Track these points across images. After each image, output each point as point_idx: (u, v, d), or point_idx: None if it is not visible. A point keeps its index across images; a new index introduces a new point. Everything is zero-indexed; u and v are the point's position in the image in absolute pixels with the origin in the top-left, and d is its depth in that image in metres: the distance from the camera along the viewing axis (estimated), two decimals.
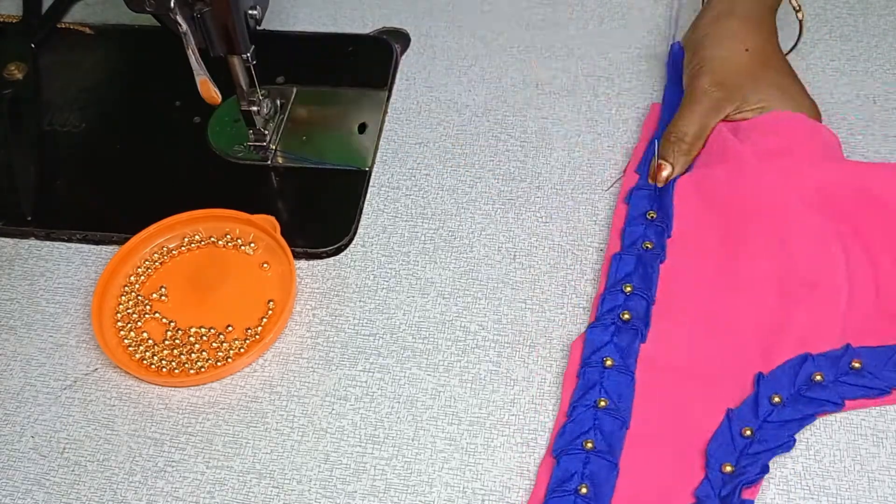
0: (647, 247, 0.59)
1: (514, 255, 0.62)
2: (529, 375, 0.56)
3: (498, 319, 0.59)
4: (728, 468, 0.50)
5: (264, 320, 0.60)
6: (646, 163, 0.63)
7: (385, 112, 0.70)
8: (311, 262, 0.63)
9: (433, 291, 0.61)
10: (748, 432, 0.51)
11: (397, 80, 0.73)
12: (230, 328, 0.60)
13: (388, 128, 0.70)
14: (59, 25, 0.78)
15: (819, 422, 0.53)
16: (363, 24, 0.77)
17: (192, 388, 0.58)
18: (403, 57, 0.74)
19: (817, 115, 0.63)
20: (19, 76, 0.74)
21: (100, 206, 0.67)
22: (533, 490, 0.52)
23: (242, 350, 0.58)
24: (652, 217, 0.60)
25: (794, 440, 0.51)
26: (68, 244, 0.65)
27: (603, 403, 0.53)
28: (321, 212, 0.65)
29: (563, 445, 0.52)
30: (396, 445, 0.54)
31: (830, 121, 0.64)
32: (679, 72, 0.66)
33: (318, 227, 0.64)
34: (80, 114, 0.73)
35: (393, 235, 0.64)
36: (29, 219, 0.66)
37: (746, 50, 0.63)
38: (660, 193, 0.61)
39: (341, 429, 0.55)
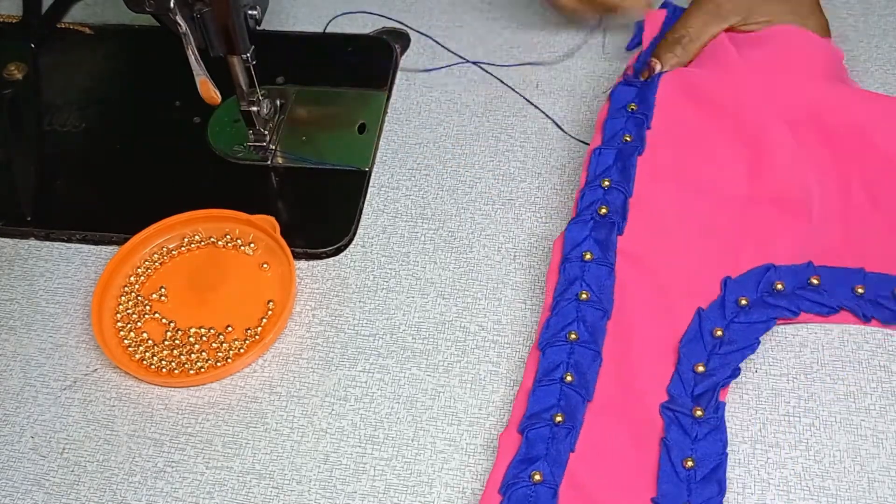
0: (627, 139, 0.59)
1: (514, 256, 0.62)
2: None
3: (498, 320, 0.59)
4: (700, 368, 0.52)
5: (264, 321, 0.60)
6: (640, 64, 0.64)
7: (385, 112, 0.70)
8: (311, 263, 0.63)
9: (433, 292, 0.61)
10: (719, 332, 0.53)
11: (397, 80, 0.73)
12: (230, 328, 0.60)
13: (388, 128, 0.70)
14: (59, 25, 0.78)
15: (819, 422, 0.53)
16: (363, 24, 0.77)
17: (191, 388, 0.58)
18: (403, 57, 0.74)
19: (826, 33, 0.63)
20: (19, 76, 0.74)
21: (100, 206, 0.67)
22: (521, 383, 0.53)
23: (242, 350, 0.58)
24: (632, 109, 0.60)
25: (759, 342, 0.53)
26: (68, 244, 0.65)
27: (584, 296, 0.54)
28: (321, 212, 0.65)
29: (549, 338, 0.53)
30: (396, 446, 0.54)
31: None
32: None
33: (318, 227, 0.64)
34: (80, 114, 0.73)
35: (393, 236, 0.64)
36: (29, 219, 0.66)
37: None
38: (643, 87, 0.62)
39: (341, 429, 0.55)
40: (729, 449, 0.52)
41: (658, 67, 0.63)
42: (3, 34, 0.78)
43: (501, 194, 0.65)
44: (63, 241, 0.65)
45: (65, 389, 0.58)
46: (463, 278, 0.61)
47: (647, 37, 0.66)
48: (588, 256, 0.56)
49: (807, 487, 0.51)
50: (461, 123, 0.69)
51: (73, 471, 0.55)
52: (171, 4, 0.56)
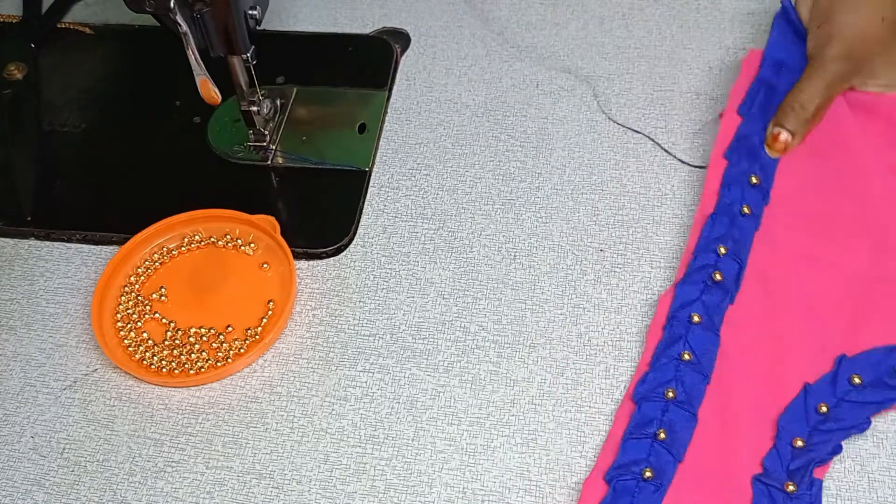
0: (745, 212, 0.58)
1: (514, 256, 0.62)
2: (529, 376, 0.56)
3: (498, 320, 0.59)
4: (799, 442, 0.50)
5: (264, 320, 0.60)
6: (748, 108, 0.62)
7: (385, 112, 0.70)
8: (311, 263, 0.63)
9: (433, 292, 0.61)
10: (824, 408, 0.51)
11: (397, 80, 0.73)
12: (230, 328, 0.60)
13: (388, 128, 0.70)
14: (59, 25, 0.78)
15: None
16: (363, 24, 0.77)
17: (191, 388, 0.58)
18: (403, 57, 0.74)
19: None
20: (19, 76, 0.74)
21: (100, 206, 0.67)
22: (610, 432, 0.52)
23: (242, 350, 0.58)
24: (754, 182, 0.59)
25: (870, 422, 0.50)
26: (68, 244, 0.65)
27: (687, 357, 0.53)
28: (321, 212, 0.65)
29: (644, 393, 0.52)
30: (396, 446, 0.54)
31: None
32: (790, 28, 0.64)
33: (318, 227, 0.64)
34: (80, 114, 0.73)
35: (393, 236, 0.64)
36: (29, 219, 0.66)
37: (882, 19, 0.59)
38: (764, 155, 0.60)
39: (341, 429, 0.55)
40: None
41: (785, 137, 0.60)
42: (3, 34, 0.78)
43: (501, 194, 0.65)
44: (63, 241, 0.65)
45: (65, 389, 0.58)
46: (463, 278, 0.61)
47: (744, 77, 0.64)
48: (696, 319, 0.54)
49: None
50: (461, 123, 0.69)
51: (73, 471, 0.55)
52: (172, 4, 0.56)
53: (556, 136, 0.68)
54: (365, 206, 0.65)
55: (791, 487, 0.49)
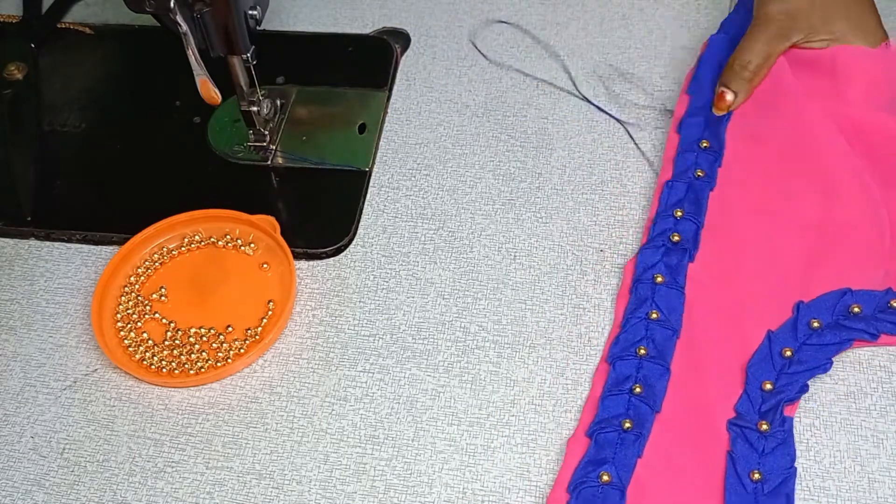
0: (699, 175, 0.61)
1: (514, 256, 0.62)
2: (529, 376, 0.56)
3: (498, 320, 0.59)
4: (768, 385, 0.52)
5: (264, 321, 0.60)
6: (697, 85, 0.65)
7: (385, 112, 0.70)
8: (311, 263, 0.63)
9: (433, 292, 0.61)
10: (788, 352, 0.53)
11: (397, 80, 0.73)
12: (230, 329, 0.60)
13: (388, 128, 0.70)
14: (59, 25, 0.78)
15: (819, 422, 0.53)
16: (363, 24, 0.77)
17: (191, 388, 0.58)
18: (403, 57, 0.74)
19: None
20: (19, 76, 0.74)
21: (100, 206, 0.67)
22: (589, 393, 0.54)
23: (242, 350, 0.58)
24: (705, 146, 0.62)
25: (832, 363, 0.53)
26: (68, 244, 0.65)
27: (654, 315, 0.55)
28: (321, 212, 0.65)
29: (618, 352, 0.55)
30: (396, 446, 0.54)
31: None
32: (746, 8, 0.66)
33: (318, 227, 0.64)
34: (80, 114, 0.73)
35: (393, 236, 0.64)
36: (29, 219, 0.66)
37: None
38: (713, 122, 0.63)
39: (341, 429, 0.55)
40: None
41: (730, 97, 0.62)
42: (3, 34, 0.78)
43: (501, 194, 0.65)
44: (63, 241, 0.65)
45: (65, 389, 0.58)
46: (463, 278, 0.61)
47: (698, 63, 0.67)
48: (659, 279, 0.57)
49: (807, 488, 0.51)
50: (461, 123, 0.69)
51: (73, 471, 0.55)
52: (172, 4, 0.56)
53: (556, 136, 0.68)
54: (365, 206, 0.65)
55: (764, 426, 0.51)
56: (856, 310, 0.55)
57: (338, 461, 0.54)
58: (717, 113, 0.63)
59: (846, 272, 0.56)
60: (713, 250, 0.58)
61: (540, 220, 0.63)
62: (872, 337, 0.54)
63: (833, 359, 0.54)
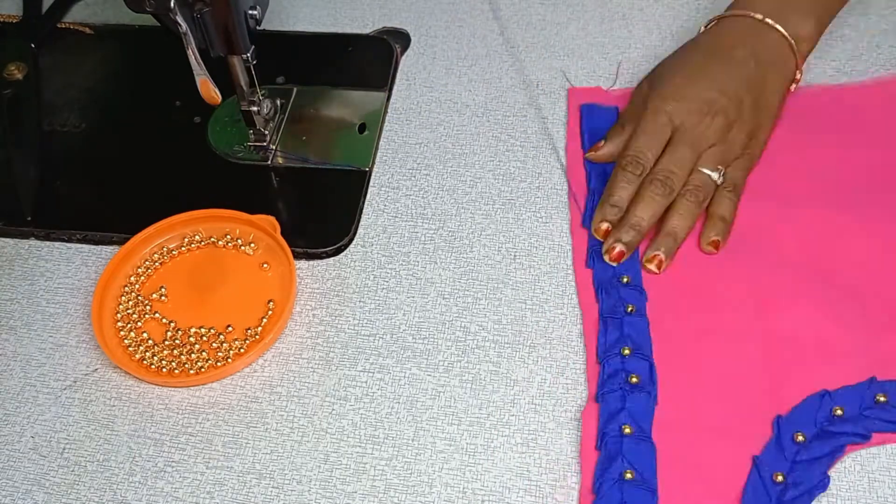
0: (630, 310, 0.57)
1: (514, 256, 0.62)
2: (529, 376, 0.56)
3: (498, 320, 0.59)
4: None
5: (264, 320, 0.60)
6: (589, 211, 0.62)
7: (385, 112, 0.70)
8: (311, 262, 0.63)
9: (433, 292, 0.61)
10: (780, 478, 0.50)
11: (397, 80, 0.73)
12: (230, 328, 0.60)
13: (388, 128, 0.70)
14: (59, 25, 0.79)
15: None
16: (363, 24, 0.77)
17: (192, 388, 0.58)
18: (403, 57, 0.74)
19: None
20: (19, 76, 0.74)
21: (100, 206, 0.67)
22: (580, 486, 0.51)
23: (242, 350, 0.58)
24: (626, 281, 0.58)
25: (829, 479, 0.50)
26: (68, 244, 0.65)
27: (629, 475, 0.50)
28: (321, 212, 0.65)
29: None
30: (396, 446, 0.54)
31: None
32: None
33: (318, 227, 0.64)
34: (80, 114, 0.73)
35: (393, 236, 0.64)
36: (29, 219, 0.66)
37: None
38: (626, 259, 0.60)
39: (341, 429, 0.55)
40: None
41: (619, 248, 0.59)
42: (4, 34, 0.78)
43: (501, 194, 0.65)
44: (63, 241, 0.65)
45: (65, 389, 0.58)
46: (463, 278, 0.61)
47: (572, 142, 0.66)
48: (627, 430, 0.52)
49: None
50: (461, 123, 0.69)
51: (73, 471, 0.55)
52: (172, 4, 0.56)
53: (556, 137, 0.68)
54: (365, 206, 0.65)
55: None
56: (839, 412, 0.51)
57: (338, 461, 0.54)
58: (610, 262, 0.59)
59: (821, 371, 0.53)
60: (669, 386, 0.54)
61: (540, 220, 0.63)
62: (864, 439, 0.51)
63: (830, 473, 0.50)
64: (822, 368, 0.53)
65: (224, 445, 0.55)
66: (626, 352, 0.55)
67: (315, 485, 0.53)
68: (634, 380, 0.54)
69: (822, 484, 0.49)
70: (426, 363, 0.58)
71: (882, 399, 0.51)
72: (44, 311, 0.62)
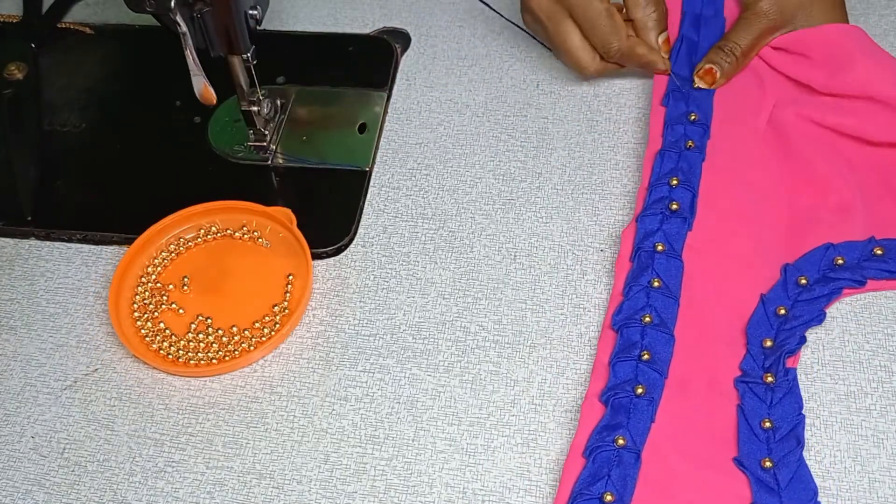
0: (690, 145, 0.62)
1: (515, 256, 0.62)
2: (529, 376, 0.56)
3: (498, 320, 0.59)
4: (768, 343, 0.54)
5: (279, 312, 0.60)
6: (677, 58, 0.67)
7: (385, 112, 0.70)
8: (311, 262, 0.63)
9: (433, 292, 0.61)
10: (782, 311, 0.56)
11: (397, 80, 0.73)
12: (245, 319, 0.60)
13: (388, 128, 0.70)
14: (59, 25, 0.78)
15: (819, 422, 0.53)
16: (363, 24, 0.77)
17: (191, 388, 0.58)
18: (403, 57, 0.74)
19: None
20: (19, 76, 0.74)
21: (100, 206, 0.67)
22: (596, 358, 0.56)
23: (264, 339, 0.59)
24: (693, 119, 0.63)
25: (825, 314, 0.56)
26: (68, 244, 0.65)
27: (656, 283, 0.57)
28: (321, 212, 0.65)
29: (623, 320, 0.56)
30: (396, 446, 0.54)
31: None
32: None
33: (318, 227, 0.64)
34: (80, 114, 0.73)
35: (393, 236, 0.64)
36: (29, 219, 0.66)
37: None
38: (698, 97, 0.65)
39: (341, 429, 0.55)
40: None
41: (718, 73, 0.65)
42: (4, 34, 0.78)
43: (502, 194, 0.65)
44: (63, 240, 0.65)
45: (65, 389, 0.58)
46: (463, 278, 0.61)
47: (670, 29, 0.68)
48: (660, 248, 0.58)
49: None
50: (461, 123, 0.69)
51: (73, 471, 0.55)
52: (172, 4, 0.56)
53: (556, 136, 0.68)
54: (365, 206, 0.65)
55: (769, 378, 0.53)
56: (840, 261, 0.57)
57: (338, 461, 0.54)
58: (701, 85, 0.66)
59: (830, 233, 0.59)
60: (707, 219, 0.60)
61: (540, 220, 0.63)
62: (860, 284, 0.57)
63: (826, 310, 0.56)
64: (832, 229, 0.59)
65: (224, 445, 0.55)
66: (674, 182, 0.60)
67: (315, 485, 0.53)
68: (675, 206, 0.59)
69: (819, 318, 0.55)
70: (426, 363, 0.58)
71: (879, 252, 0.57)
72: (44, 311, 0.62)
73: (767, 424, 0.51)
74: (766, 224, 0.60)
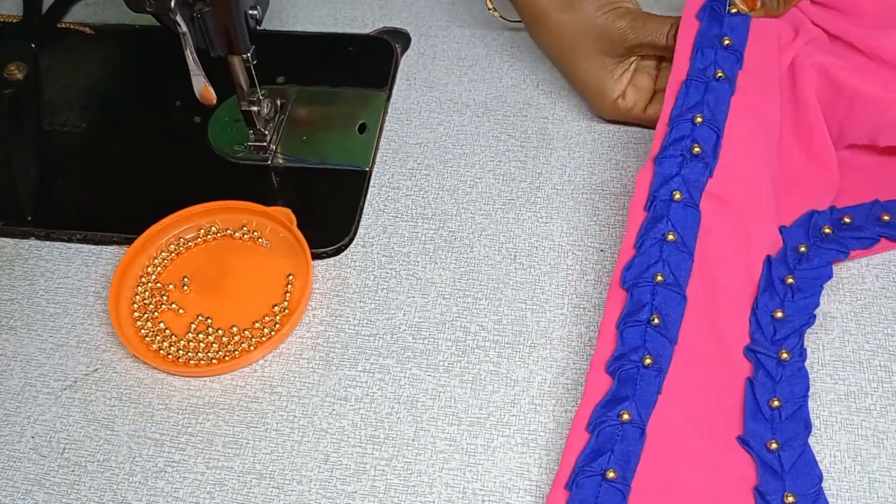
0: (719, 76, 0.56)
1: (515, 256, 0.62)
2: (529, 376, 0.56)
3: (498, 320, 0.59)
4: (779, 314, 0.53)
5: (277, 310, 0.60)
6: None
7: (385, 112, 0.70)
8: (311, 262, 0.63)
9: (433, 292, 0.61)
10: (790, 279, 0.54)
11: (397, 80, 0.73)
12: (246, 319, 0.60)
13: (388, 128, 0.70)
14: (59, 25, 0.78)
15: (819, 422, 0.53)
16: (363, 24, 0.77)
17: (191, 388, 0.58)
18: (403, 57, 0.74)
19: None
20: (19, 76, 0.74)
21: (100, 206, 0.67)
22: (602, 320, 0.53)
23: (264, 339, 0.59)
24: (727, 43, 0.57)
25: (832, 269, 0.55)
26: (68, 244, 0.65)
27: (671, 237, 0.53)
28: (321, 212, 0.65)
29: (633, 278, 0.53)
30: (396, 446, 0.54)
31: None
32: None
33: (318, 227, 0.64)
34: (80, 114, 0.73)
35: (393, 236, 0.64)
36: (29, 219, 0.66)
37: None
38: (734, 21, 0.58)
39: (341, 429, 0.55)
40: None
41: (759, 4, 0.59)
42: (4, 34, 0.78)
43: (502, 194, 0.65)
44: (63, 240, 0.65)
45: (65, 389, 0.58)
46: (463, 278, 0.61)
47: None
48: (678, 196, 0.53)
49: None
50: (461, 123, 0.69)
51: (73, 471, 0.55)
52: (172, 4, 0.56)
53: (556, 136, 0.68)
54: (365, 206, 0.65)
55: (785, 355, 0.52)
56: (827, 230, 0.57)
57: (338, 461, 0.54)
58: (743, 9, 0.58)
59: (807, 195, 0.58)
60: (729, 164, 0.55)
61: (540, 220, 0.63)
62: (844, 255, 0.56)
63: (817, 314, 0.55)
64: (811, 189, 0.58)
65: (224, 445, 0.55)
66: (698, 119, 0.55)
67: (315, 485, 0.53)
68: (696, 149, 0.54)
69: (828, 274, 0.55)
70: (426, 363, 0.58)
71: (847, 220, 0.57)
72: (44, 311, 0.62)
73: (776, 403, 0.50)
74: (775, 178, 0.57)
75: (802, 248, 0.55)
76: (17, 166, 0.69)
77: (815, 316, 0.54)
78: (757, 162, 0.55)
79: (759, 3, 0.59)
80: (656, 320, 0.51)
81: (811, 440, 0.52)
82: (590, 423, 0.50)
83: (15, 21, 0.79)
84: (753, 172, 0.55)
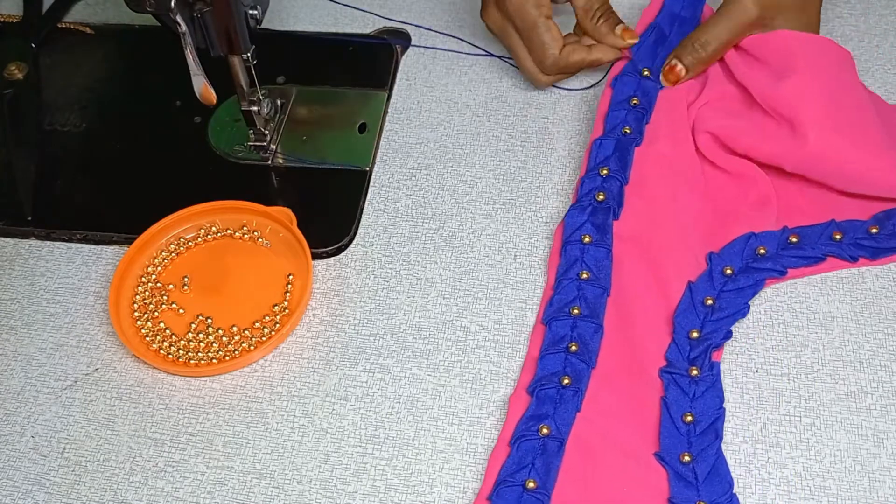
0: (626, 132, 0.63)
1: (515, 255, 0.62)
2: None
3: (498, 319, 0.59)
4: (694, 334, 0.55)
5: (277, 310, 0.60)
6: (639, 46, 0.66)
7: (385, 112, 0.70)
8: (311, 262, 0.63)
9: (433, 291, 0.61)
10: (710, 301, 0.56)
11: (397, 80, 0.73)
12: (246, 318, 0.60)
13: (388, 128, 0.70)
14: (59, 25, 0.78)
15: (820, 422, 0.53)
16: (363, 24, 0.77)
17: (191, 388, 0.58)
18: (403, 57, 0.74)
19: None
20: (19, 76, 0.74)
21: (100, 206, 0.67)
22: (527, 353, 0.56)
23: (264, 339, 0.59)
24: (635, 104, 0.64)
25: (749, 307, 0.57)
26: (68, 244, 0.65)
27: (585, 275, 0.58)
28: (321, 212, 0.65)
29: (553, 313, 0.57)
30: (397, 446, 0.54)
31: None
32: None
33: (318, 226, 0.64)
34: (80, 114, 0.73)
35: (393, 235, 0.64)
36: (29, 219, 0.66)
37: None
38: (646, 83, 0.65)
39: (342, 429, 0.55)
40: (730, 449, 0.52)
41: (681, 72, 0.64)
42: (4, 34, 0.78)
43: (502, 194, 0.65)
44: (63, 240, 0.65)
45: (65, 389, 0.58)
46: (463, 278, 0.61)
47: (646, 20, 0.67)
48: (587, 239, 0.59)
49: (808, 487, 0.51)
50: (461, 123, 0.69)
51: (73, 470, 0.55)
52: (172, 4, 0.56)
53: (556, 136, 0.68)
54: (365, 205, 0.65)
55: (694, 372, 0.54)
56: (762, 251, 0.58)
57: (338, 461, 0.54)
58: (665, 84, 0.65)
59: (751, 223, 0.60)
60: (637, 207, 0.60)
61: (540, 219, 0.63)
62: (780, 273, 0.58)
63: (751, 303, 0.57)
64: (752, 221, 0.60)
65: (224, 445, 0.55)
66: (604, 172, 0.61)
67: (315, 485, 0.53)
68: (601, 197, 0.60)
69: (742, 311, 0.56)
70: (426, 363, 0.58)
71: (794, 239, 0.59)
72: (44, 311, 0.62)
73: (689, 418, 0.52)
74: (693, 213, 0.60)
75: (728, 271, 0.57)
76: (17, 166, 0.69)
77: (730, 332, 0.55)
78: (665, 201, 0.60)
79: (682, 74, 0.64)
80: (574, 347, 0.55)
81: (812, 447, 0.52)
82: (512, 437, 0.52)
83: (15, 21, 0.79)
84: (662, 211, 0.60)
